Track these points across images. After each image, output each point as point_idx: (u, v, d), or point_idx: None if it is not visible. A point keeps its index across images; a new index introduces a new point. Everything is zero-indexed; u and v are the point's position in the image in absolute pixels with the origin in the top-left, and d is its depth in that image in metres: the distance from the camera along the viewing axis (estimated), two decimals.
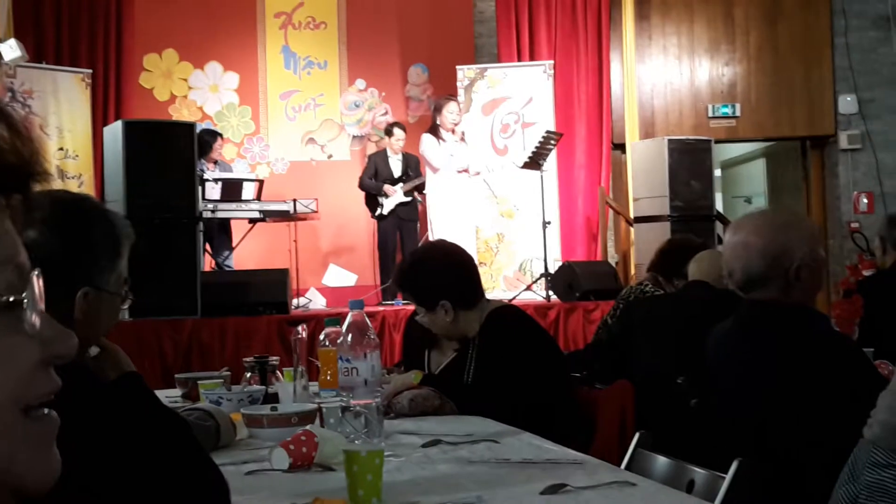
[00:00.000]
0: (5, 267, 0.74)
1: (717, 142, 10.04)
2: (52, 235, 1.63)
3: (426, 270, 3.24)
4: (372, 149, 10.21)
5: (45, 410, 0.76)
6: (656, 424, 2.80)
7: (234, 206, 8.70)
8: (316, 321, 6.61)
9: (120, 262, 1.80)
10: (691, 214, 8.95)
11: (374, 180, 9.16)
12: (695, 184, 9.04)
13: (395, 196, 9.05)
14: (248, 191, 8.80)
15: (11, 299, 0.73)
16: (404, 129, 9.37)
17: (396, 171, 9.20)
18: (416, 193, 9.14)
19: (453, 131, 8.98)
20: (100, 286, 1.73)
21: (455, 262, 3.30)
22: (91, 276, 1.71)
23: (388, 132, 9.44)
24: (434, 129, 8.98)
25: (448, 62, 10.09)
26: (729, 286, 4.06)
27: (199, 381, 3.25)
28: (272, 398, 3.00)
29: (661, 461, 2.40)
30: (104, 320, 1.78)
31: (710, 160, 9.31)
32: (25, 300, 0.74)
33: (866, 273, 7.34)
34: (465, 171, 9.05)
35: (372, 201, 9.20)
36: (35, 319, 0.75)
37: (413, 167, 9.18)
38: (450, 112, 8.94)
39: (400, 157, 9.27)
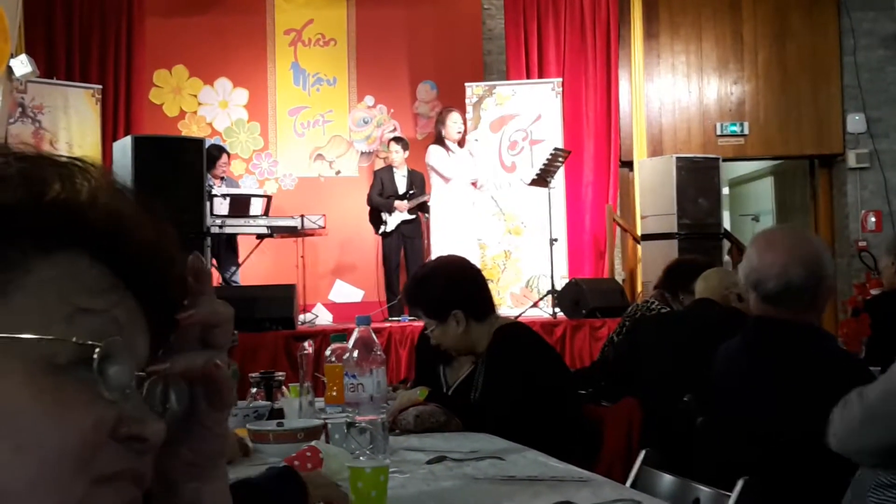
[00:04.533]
0: (100, 315, 0.69)
1: (725, 160, 10.05)
2: None
3: (439, 280, 3.25)
4: (381, 165, 10.24)
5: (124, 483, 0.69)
6: (662, 442, 2.80)
7: (241, 221, 8.71)
8: (322, 337, 6.61)
9: None
10: (699, 232, 8.95)
11: (381, 196, 9.19)
12: (702, 202, 9.04)
13: (398, 213, 9.06)
14: (256, 206, 8.82)
15: (91, 345, 0.67)
16: (400, 144, 9.35)
17: (401, 186, 9.21)
18: (419, 211, 9.15)
19: (459, 143, 8.98)
20: None
21: (467, 273, 3.33)
22: None
23: (388, 146, 9.53)
24: (440, 141, 8.97)
25: (457, 79, 10.12)
26: (737, 302, 4.05)
27: None
28: (278, 413, 3.00)
29: (667, 479, 2.39)
30: None
31: (718, 178, 9.32)
32: (97, 354, 0.67)
33: (874, 292, 7.32)
34: (474, 183, 9.04)
35: (376, 218, 9.21)
36: (119, 384, 0.68)
37: (418, 184, 9.19)
38: (453, 122, 8.94)
39: (405, 172, 9.28)
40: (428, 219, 9.09)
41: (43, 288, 0.68)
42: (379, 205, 9.20)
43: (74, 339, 0.67)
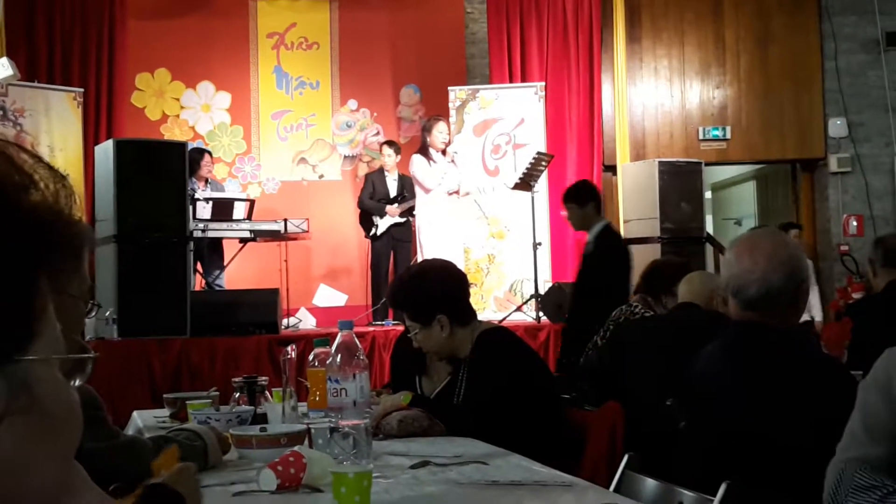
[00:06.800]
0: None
1: (708, 164, 10.07)
2: None
3: (425, 283, 3.23)
4: (364, 169, 10.23)
5: None
6: (645, 446, 2.80)
7: (224, 225, 8.68)
8: (306, 341, 6.60)
9: (81, 264, 1.68)
10: (681, 236, 8.97)
11: (373, 199, 9.19)
12: (685, 206, 9.06)
13: (388, 216, 9.05)
14: (239, 210, 8.79)
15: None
16: (393, 148, 9.37)
17: (393, 190, 9.22)
18: (409, 215, 9.16)
19: (443, 152, 8.99)
20: (59, 288, 1.59)
21: (454, 277, 3.32)
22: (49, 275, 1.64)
23: (380, 149, 9.52)
24: (424, 150, 8.99)
25: (440, 83, 10.11)
26: (721, 306, 4.05)
27: (187, 402, 3.24)
28: (261, 419, 2.99)
29: (650, 483, 2.39)
30: (66, 328, 1.69)
31: (701, 182, 9.35)
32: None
33: (856, 296, 7.35)
34: (456, 192, 9.05)
35: (366, 221, 9.20)
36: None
37: (408, 187, 9.19)
38: (439, 132, 8.96)
39: (396, 176, 9.28)
40: (414, 222, 9.10)
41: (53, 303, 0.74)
42: (370, 208, 9.19)
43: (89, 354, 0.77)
